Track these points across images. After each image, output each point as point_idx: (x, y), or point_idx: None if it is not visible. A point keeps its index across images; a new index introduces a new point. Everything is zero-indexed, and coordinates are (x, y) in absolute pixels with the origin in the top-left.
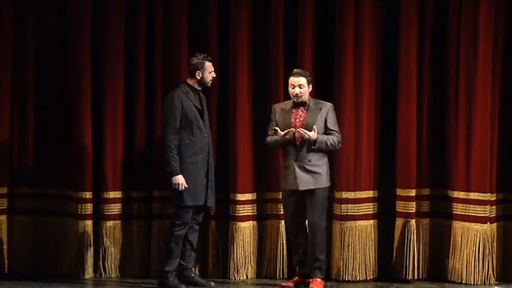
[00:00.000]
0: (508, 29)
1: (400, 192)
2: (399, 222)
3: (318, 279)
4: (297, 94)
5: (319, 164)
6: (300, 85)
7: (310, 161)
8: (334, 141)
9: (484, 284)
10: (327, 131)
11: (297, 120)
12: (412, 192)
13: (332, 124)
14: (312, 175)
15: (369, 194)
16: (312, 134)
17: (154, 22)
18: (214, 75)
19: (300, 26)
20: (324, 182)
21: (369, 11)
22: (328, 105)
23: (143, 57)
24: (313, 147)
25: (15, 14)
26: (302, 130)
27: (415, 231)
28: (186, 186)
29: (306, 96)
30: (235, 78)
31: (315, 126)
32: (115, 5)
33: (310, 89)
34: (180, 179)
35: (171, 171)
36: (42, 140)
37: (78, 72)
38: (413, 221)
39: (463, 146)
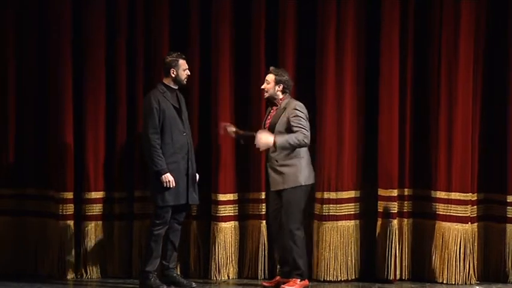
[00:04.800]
0: (489, 29)
1: (381, 192)
2: (381, 222)
3: (296, 280)
4: (262, 89)
5: (288, 163)
6: (266, 80)
7: (277, 161)
8: (297, 138)
9: (465, 283)
10: (290, 130)
11: (268, 119)
12: (394, 193)
13: (296, 123)
14: (280, 176)
15: (351, 194)
16: (268, 142)
17: (136, 20)
18: (189, 73)
19: (281, 23)
20: (291, 182)
21: (351, 10)
22: (293, 105)
23: (124, 57)
24: (276, 152)
25: None
26: (259, 143)
27: (397, 231)
28: (174, 184)
29: (271, 93)
30: (217, 78)
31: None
32: (96, 3)
33: (280, 88)
34: (168, 177)
35: (158, 171)
36: (23, 141)
37: (60, 73)
38: (395, 221)
39: (444, 146)
